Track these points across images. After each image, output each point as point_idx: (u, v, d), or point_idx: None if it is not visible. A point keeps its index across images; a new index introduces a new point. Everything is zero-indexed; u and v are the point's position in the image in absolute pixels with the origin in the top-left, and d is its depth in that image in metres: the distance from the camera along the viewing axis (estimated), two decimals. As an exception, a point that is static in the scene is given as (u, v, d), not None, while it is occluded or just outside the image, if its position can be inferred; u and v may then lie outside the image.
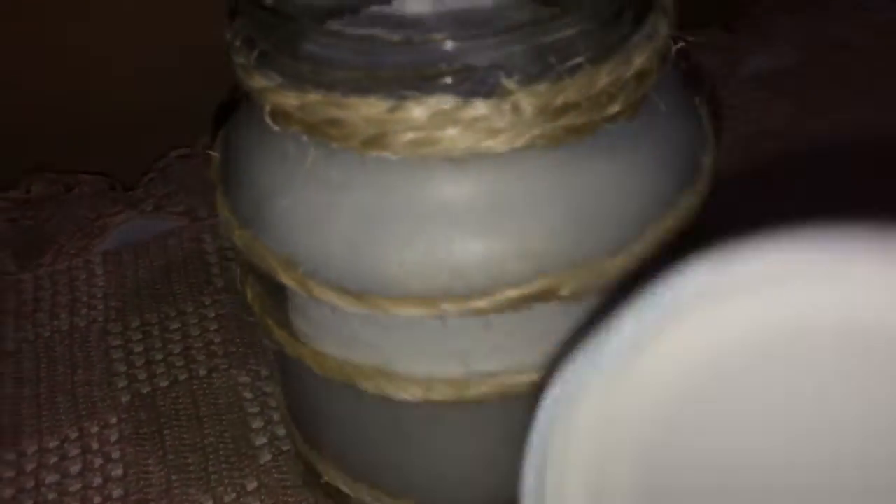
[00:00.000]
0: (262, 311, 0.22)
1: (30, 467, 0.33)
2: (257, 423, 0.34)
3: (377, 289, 0.18)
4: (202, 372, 0.36)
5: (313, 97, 0.17)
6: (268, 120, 0.18)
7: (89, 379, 0.36)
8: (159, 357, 0.37)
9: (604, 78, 0.16)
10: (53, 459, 0.33)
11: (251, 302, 0.22)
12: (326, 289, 0.18)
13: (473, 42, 0.16)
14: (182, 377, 0.36)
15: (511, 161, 0.17)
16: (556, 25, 0.16)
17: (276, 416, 0.34)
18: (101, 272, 0.41)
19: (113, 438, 0.34)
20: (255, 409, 0.34)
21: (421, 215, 0.17)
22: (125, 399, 0.35)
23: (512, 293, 0.17)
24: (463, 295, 0.17)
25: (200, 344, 0.37)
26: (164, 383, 0.36)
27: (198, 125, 0.49)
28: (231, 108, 0.24)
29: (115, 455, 0.33)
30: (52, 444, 0.34)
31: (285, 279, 0.19)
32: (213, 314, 0.38)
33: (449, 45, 0.16)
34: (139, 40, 0.47)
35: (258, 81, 0.18)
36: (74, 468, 0.32)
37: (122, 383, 0.36)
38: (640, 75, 0.17)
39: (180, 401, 0.35)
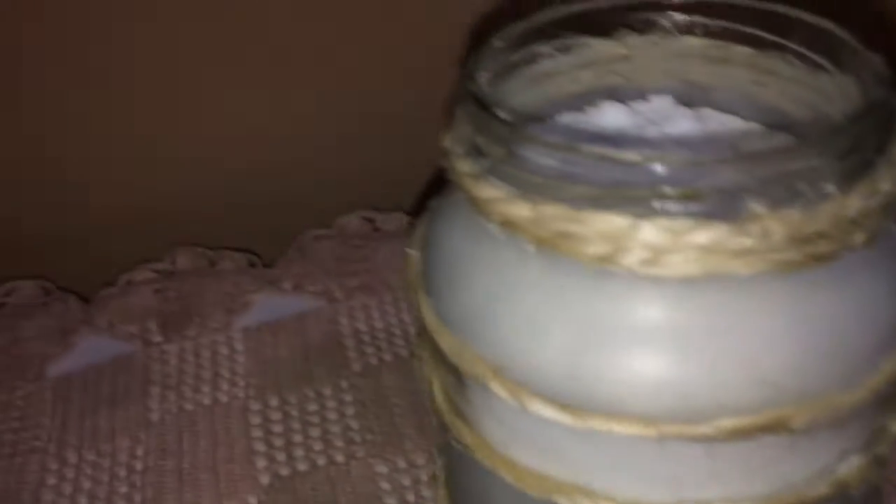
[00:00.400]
0: (451, 413, 0.21)
1: (172, 544, 0.33)
2: (396, 516, 0.33)
3: (594, 405, 0.17)
4: (340, 458, 0.36)
5: (549, 210, 0.17)
6: (495, 231, 0.18)
7: (230, 456, 0.36)
8: (298, 439, 0.37)
9: (853, 206, 0.16)
10: (196, 537, 0.33)
11: (437, 400, 0.22)
12: (540, 401, 0.18)
13: (716, 165, 0.16)
14: (321, 462, 0.36)
15: (746, 286, 0.17)
16: (804, 152, 0.16)
17: (414, 511, 0.33)
18: (241, 348, 0.42)
19: (252, 520, 0.34)
20: (392, 502, 0.34)
21: (649, 334, 0.17)
22: (265, 480, 0.35)
23: (739, 422, 0.17)
24: (686, 419, 0.17)
25: (338, 429, 0.37)
26: (302, 467, 0.36)
27: (334, 206, 0.50)
28: (422, 206, 0.24)
29: (257, 538, 0.33)
30: (194, 521, 0.34)
31: (496, 388, 0.18)
32: (350, 398, 0.39)
33: (686, 165, 0.16)
34: (280, 122, 0.49)
35: (487, 192, 0.18)
36: (216, 548, 0.32)
37: (261, 463, 0.36)
38: (885, 203, 0.17)
39: (319, 487, 0.35)
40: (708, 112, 0.23)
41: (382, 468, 0.35)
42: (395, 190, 0.52)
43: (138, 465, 0.36)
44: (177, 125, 0.47)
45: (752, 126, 0.22)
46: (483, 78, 0.20)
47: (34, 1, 0.41)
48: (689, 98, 0.23)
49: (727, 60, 0.22)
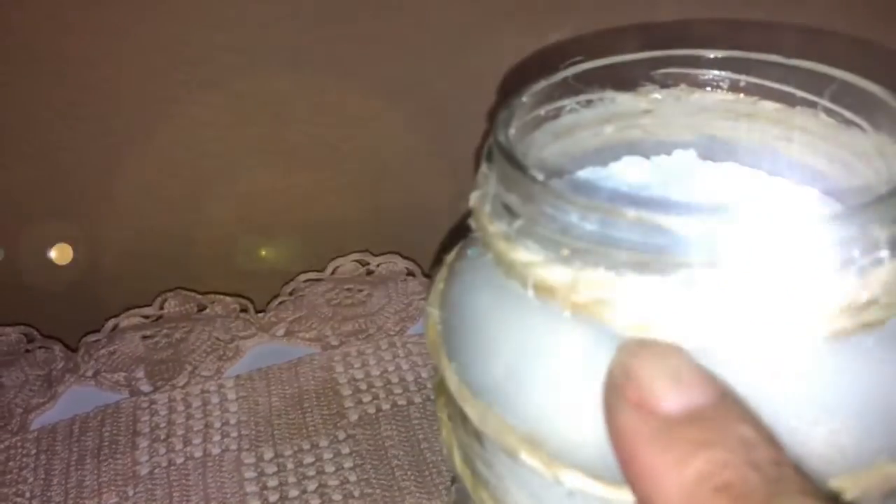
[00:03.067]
0: (473, 480, 0.20)
1: None
2: (398, 576, 0.32)
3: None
4: (339, 514, 0.35)
5: (588, 276, 0.16)
6: (528, 294, 0.17)
7: (224, 512, 0.35)
8: (294, 493, 0.36)
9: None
10: None
11: (460, 471, 0.21)
12: (579, 474, 0.17)
13: (773, 234, 0.15)
14: (318, 518, 0.34)
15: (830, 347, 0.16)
16: (859, 218, 0.15)
17: (417, 569, 0.32)
18: (233, 397, 0.40)
19: (249, 581, 0.32)
20: (395, 560, 0.33)
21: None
22: (260, 537, 0.34)
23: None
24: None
25: (336, 482, 0.36)
26: (299, 523, 0.34)
27: (324, 248, 0.49)
28: (438, 260, 0.24)
29: None
30: (186, 583, 0.32)
31: (529, 459, 0.18)
32: (347, 450, 0.37)
33: (735, 234, 0.16)
34: (270, 165, 0.48)
35: (521, 255, 0.17)
36: None
37: (257, 520, 0.34)
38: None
39: (317, 544, 0.33)
40: (732, 167, 0.22)
41: (383, 524, 0.34)
42: (388, 232, 0.51)
43: (126, 523, 0.35)
44: (166, 169, 0.46)
45: (778, 182, 0.22)
46: (512, 135, 0.19)
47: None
48: (712, 153, 0.22)
49: (753, 115, 0.22)
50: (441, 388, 0.22)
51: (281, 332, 0.44)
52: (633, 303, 0.16)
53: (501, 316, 0.19)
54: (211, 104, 0.45)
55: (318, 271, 0.48)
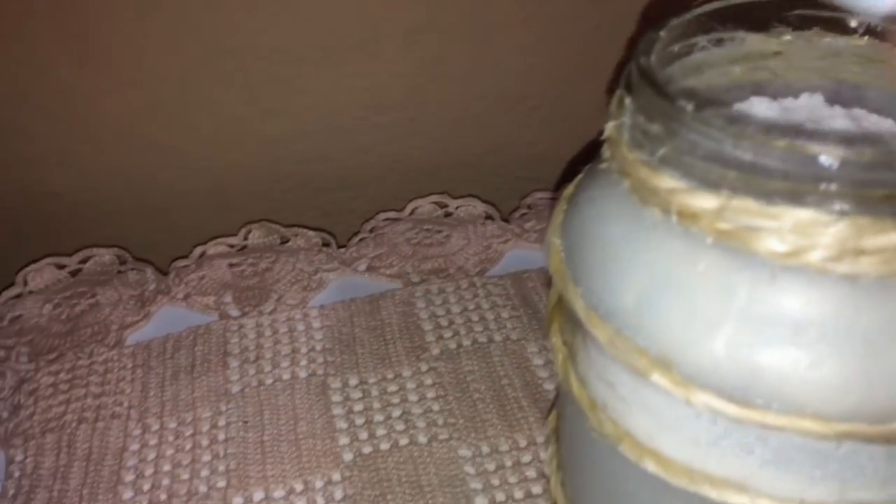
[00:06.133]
0: (593, 407, 0.21)
1: (261, 515, 0.33)
2: (481, 501, 0.33)
3: (769, 401, 0.17)
4: (422, 439, 0.36)
5: (737, 203, 0.17)
6: (668, 221, 0.18)
7: (312, 432, 0.36)
8: (379, 418, 0.37)
9: None
10: (283, 510, 0.33)
11: (576, 394, 0.22)
12: (707, 394, 0.18)
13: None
14: (403, 442, 0.36)
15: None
16: None
17: (499, 496, 0.33)
18: (318, 325, 0.42)
19: (338, 496, 0.34)
20: (478, 486, 0.34)
21: (833, 333, 0.17)
22: (347, 457, 0.35)
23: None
24: (868, 420, 0.17)
25: (420, 410, 0.37)
26: (384, 446, 0.36)
27: (406, 189, 0.50)
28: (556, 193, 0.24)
29: (343, 514, 0.33)
30: (278, 494, 0.34)
31: (658, 380, 0.18)
32: (430, 381, 0.39)
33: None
34: (358, 107, 0.49)
35: (665, 182, 0.18)
36: (305, 522, 0.33)
37: (343, 440, 0.36)
38: None
39: (402, 466, 0.35)
40: (859, 112, 0.22)
41: (466, 451, 0.35)
42: (466, 175, 0.52)
43: (220, 435, 0.36)
44: (255, 103, 0.47)
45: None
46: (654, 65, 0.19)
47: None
48: (839, 97, 0.23)
49: (885, 61, 0.22)
50: (558, 314, 0.23)
51: (363, 266, 0.45)
52: (784, 231, 0.17)
53: (635, 243, 0.19)
54: (297, 45, 0.45)
55: (397, 211, 0.49)
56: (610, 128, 0.20)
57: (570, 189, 0.24)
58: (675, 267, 0.18)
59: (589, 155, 0.23)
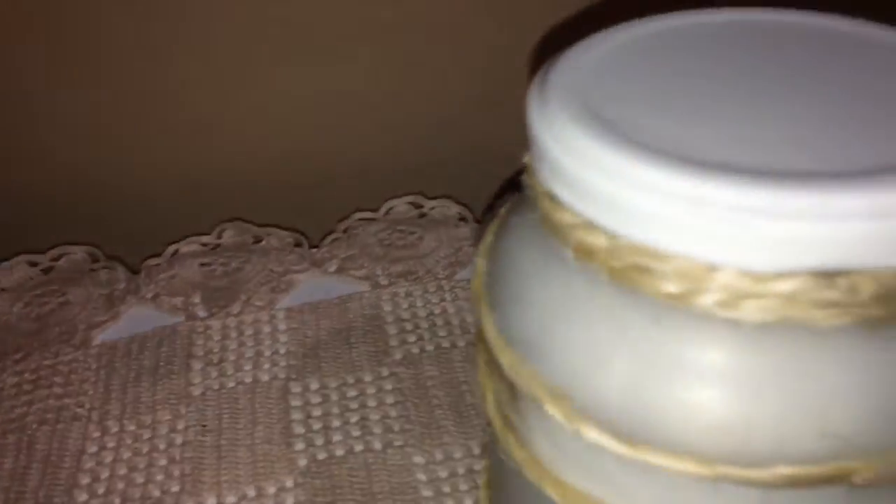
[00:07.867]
0: (502, 424, 0.21)
1: (210, 521, 0.33)
2: (430, 509, 0.33)
3: (651, 439, 0.17)
4: (377, 445, 0.36)
5: (626, 242, 0.17)
6: (569, 256, 0.18)
7: (269, 437, 0.36)
8: (337, 424, 0.37)
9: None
10: (233, 517, 0.33)
11: (489, 410, 0.22)
12: (596, 428, 0.18)
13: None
14: (358, 448, 0.36)
15: (822, 337, 0.16)
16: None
17: (449, 503, 0.33)
18: (283, 328, 0.42)
19: (289, 502, 0.34)
20: (429, 493, 0.34)
21: (717, 374, 0.17)
22: (302, 463, 0.35)
23: (800, 471, 0.16)
24: (746, 463, 0.17)
25: (377, 416, 0.37)
26: (339, 452, 0.36)
27: (382, 188, 0.50)
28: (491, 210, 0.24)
29: (293, 522, 0.33)
30: (230, 500, 0.34)
31: (553, 410, 0.18)
32: (390, 387, 0.39)
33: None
34: (330, 102, 0.49)
35: (565, 217, 0.18)
36: (253, 529, 0.33)
37: (299, 446, 0.36)
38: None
39: (355, 473, 0.35)
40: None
41: (420, 458, 0.35)
42: (442, 175, 0.52)
43: (178, 439, 0.37)
44: (227, 101, 0.47)
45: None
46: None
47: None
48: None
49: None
50: (480, 335, 0.23)
51: (333, 267, 0.45)
52: (670, 274, 0.16)
53: (543, 273, 0.19)
54: (272, 42, 0.45)
55: (372, 210, 0.49)
56: (529, 155, 0.20)
57: (505, 209, 0.24)
58: (575, 301, 0.18)
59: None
